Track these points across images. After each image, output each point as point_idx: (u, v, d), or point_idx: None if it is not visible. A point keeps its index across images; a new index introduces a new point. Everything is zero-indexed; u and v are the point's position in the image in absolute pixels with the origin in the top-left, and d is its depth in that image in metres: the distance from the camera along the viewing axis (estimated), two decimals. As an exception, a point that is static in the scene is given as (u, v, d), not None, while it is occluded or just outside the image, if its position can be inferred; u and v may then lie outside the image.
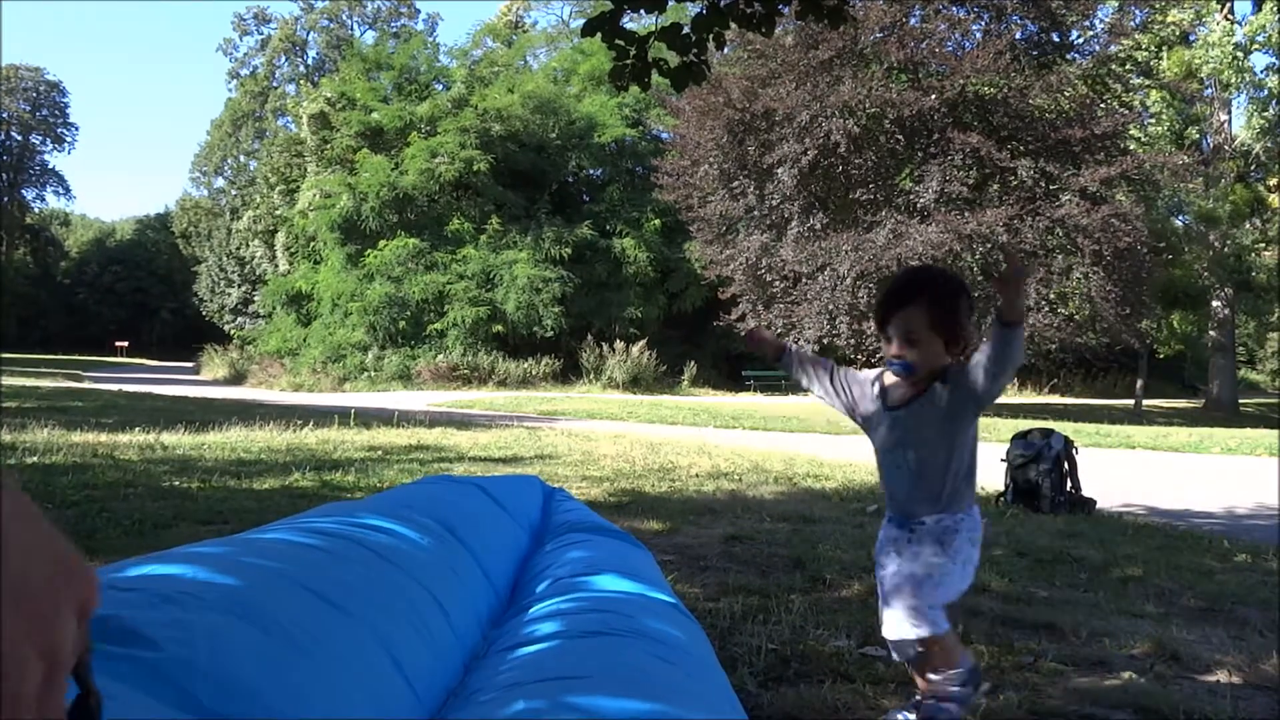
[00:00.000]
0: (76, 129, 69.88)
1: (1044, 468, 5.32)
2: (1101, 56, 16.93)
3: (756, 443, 9.18)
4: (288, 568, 0.96)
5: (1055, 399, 24.31)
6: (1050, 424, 8.45)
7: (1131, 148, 17.66)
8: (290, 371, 23.65)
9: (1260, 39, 20.14)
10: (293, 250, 28.29)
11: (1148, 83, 20.58)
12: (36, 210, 57.84)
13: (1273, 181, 21.82)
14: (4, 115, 51.89)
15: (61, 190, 57.45)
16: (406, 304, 22.43)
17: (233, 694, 0.73)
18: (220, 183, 47.77)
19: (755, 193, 17.13)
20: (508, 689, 0.95)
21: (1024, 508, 5.25)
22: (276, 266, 30.87)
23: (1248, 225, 21.95)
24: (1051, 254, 15.94)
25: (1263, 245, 22.17)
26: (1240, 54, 19.98)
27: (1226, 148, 22.01)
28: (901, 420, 1.94)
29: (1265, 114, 20.55)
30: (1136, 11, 17.92)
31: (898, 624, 1.91)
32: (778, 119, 16.22)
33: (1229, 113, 22.43)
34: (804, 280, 16.74)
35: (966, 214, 15.24)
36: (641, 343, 21.68)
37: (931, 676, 1.96)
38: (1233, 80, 20.13)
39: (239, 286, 39.63)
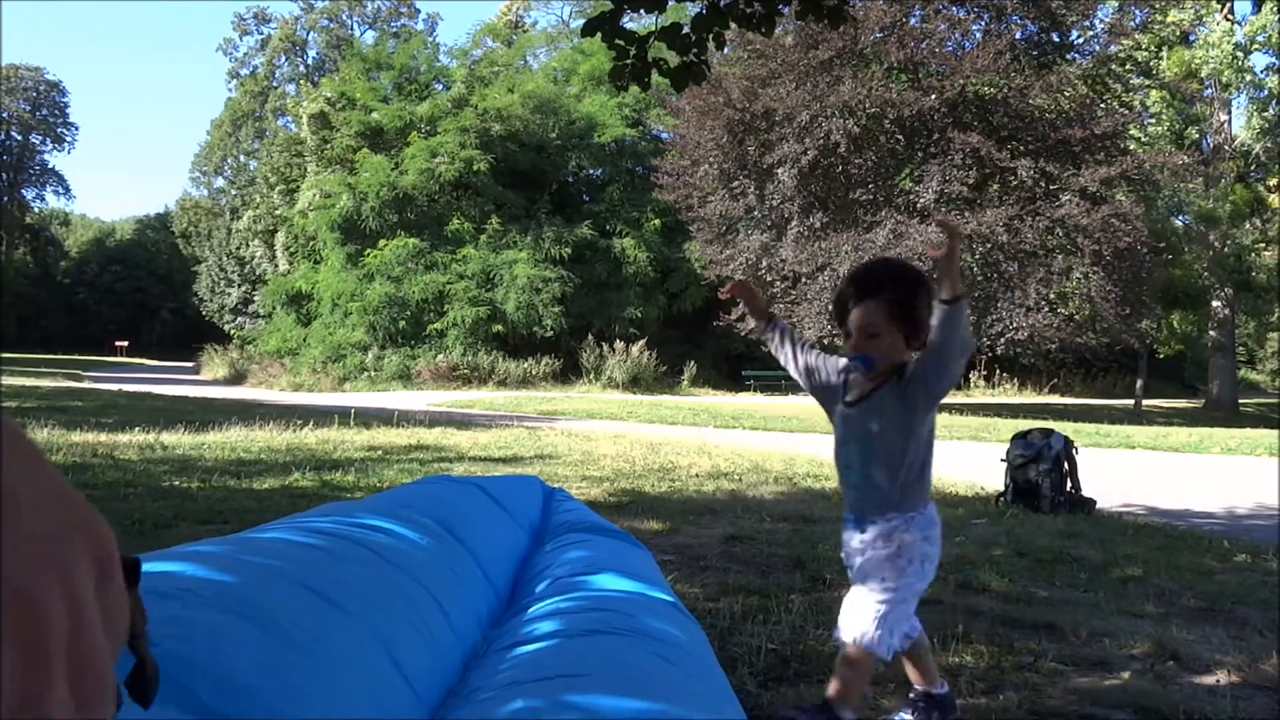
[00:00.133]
0: (76, 129, 69.93)
1: (1044, 468, 5.32)
2: (1101, 56, 16.93)
3: (756, 443, 9.17)
4: (287, 566, 0.96)
5: (1055, 399, 24.31)
6: (1050, 424, 8.45)
7: (1131, 148, 17.66)
8: (290, 371, 23.65)
9: (1260, 39, 20.13)
10: (293, 250, 28.28)
11: (1148, 83, 20.58)
12: (36, 210, 57.83)
13: (1273, 181, 21.82)
14: (4, 115, 51.89)
15: (61, 190, 57.48)
16: (406, 304, 22.42)
17: (232, 692, 0.73)
18: (220, 183, 47.79)
19: (755, 193, 17.13)
20: (507, 688, 0.95)
21: (1024, 508, 5.25)
22: (276, 266, 30.87)
23: (1248, 225, 21.95)
24: (1051, 254, 15.94)
25: (1263, 245, 22.16)
26: (1240, 54, 19.98)
27: (1226, 148, 22.01)
28: (855, 417, 1.90)
29: (1265, 114, 20.54)
30: (1136, 11, 17.92)
31: (850, 625, 1.87)
32: (778, 119, 16.23)
33: (1229, 113, 22.44)
34: (804, 280, 16.74)
35: (966, 214, 15.24)
36: (641, 343, 21.67)
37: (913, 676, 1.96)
38: (1233, 80, 20.13)
39: (239, 286, 39.62)
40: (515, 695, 0.92)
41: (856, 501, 1.91)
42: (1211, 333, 22.86)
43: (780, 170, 16.31)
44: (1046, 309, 15.71)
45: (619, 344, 21.69)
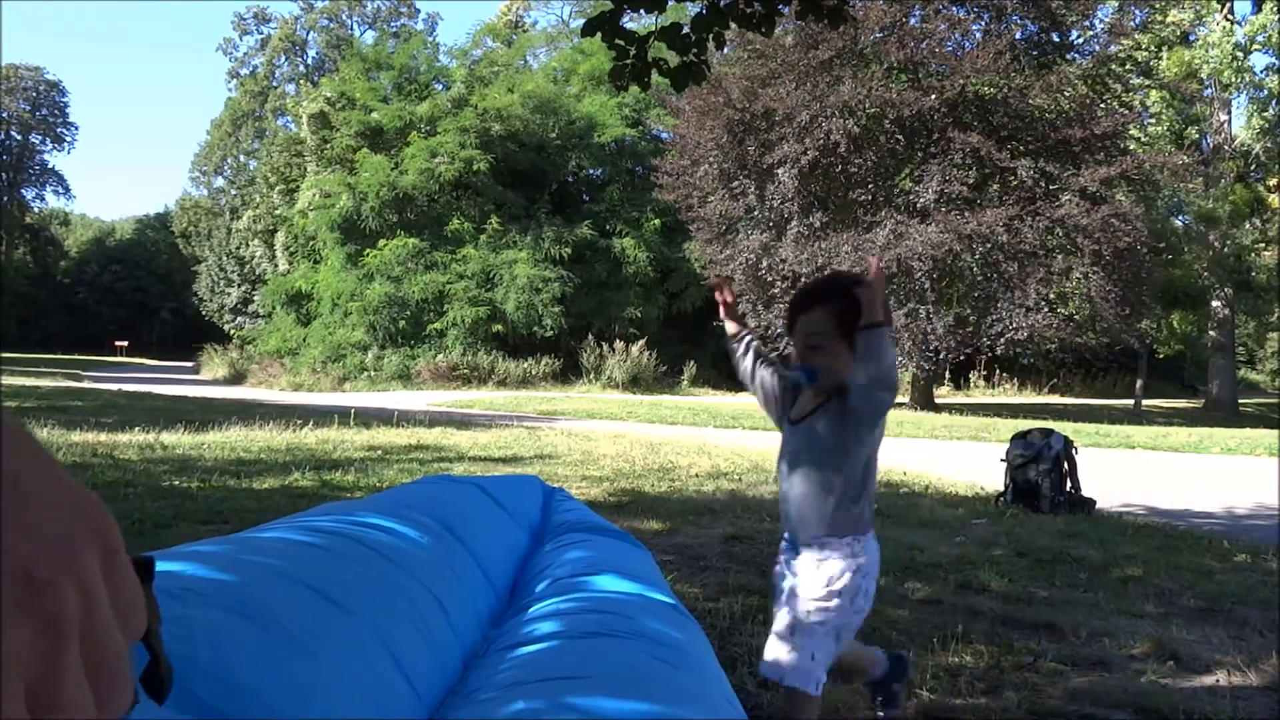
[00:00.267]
0: (76, 128, 69.89)
1: (1044, 468, 5.32)
2: (1101, 56, 16.93)
3: (756, 443, 9.17)
4: (288, 566, 0.96)
5: (1055, 399, 24.32)
6: (1050, 424, 8.45)
7: (1131, 148, 17.66)
8: (290, 371, 23.64)
9: (1260, 39, 20.13)
10: (292, 250, 28.27)
11: (1148, 83, 20.58)
12: (36, 210, 57.82)
13: (1273, 181, 21.82)
14: (4, 115, 51.88)
15: (61, 190, 57.47)
16: (406, 304, 22.42)
17: (233, 691, 0.73)
18: (220, 182, 47.78)
19: (755, 193, 17.14)
20: (507, 688, 0.95)
21: (1024, 508, 5.25)
22: (276, 266, 30.86)
23: (1248, 225, 21.95)
24: (1051, 254, 15.95)
25: (1262, 245, 22.16)
26: (1240, 54, 19.97)
27: (1226, 148, 22.02)
28: (794, 436, 1.83)
29: (1265, 114, 20.55)
30: (1136, 11, 17.92)
31: (772, 658, 1.76)
32: (778, 119, 16.23)
33: (1229, 113, 22.44)
34: (804, 280, 16.74)
35: (966, 214, 15.25)
36: (641, 343, 21.66)
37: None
38: (1233, 80, 20.13)
39: (239, 286, 39.61)
40: (516, 696, 0.92)
41: (791, 524, 1.82)
42: (1211, 333, 22.86)
43: (780, 170, 16.31)
44: (1046, 309, 15.71)
45: (619, 344, 21.69)
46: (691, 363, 22.81)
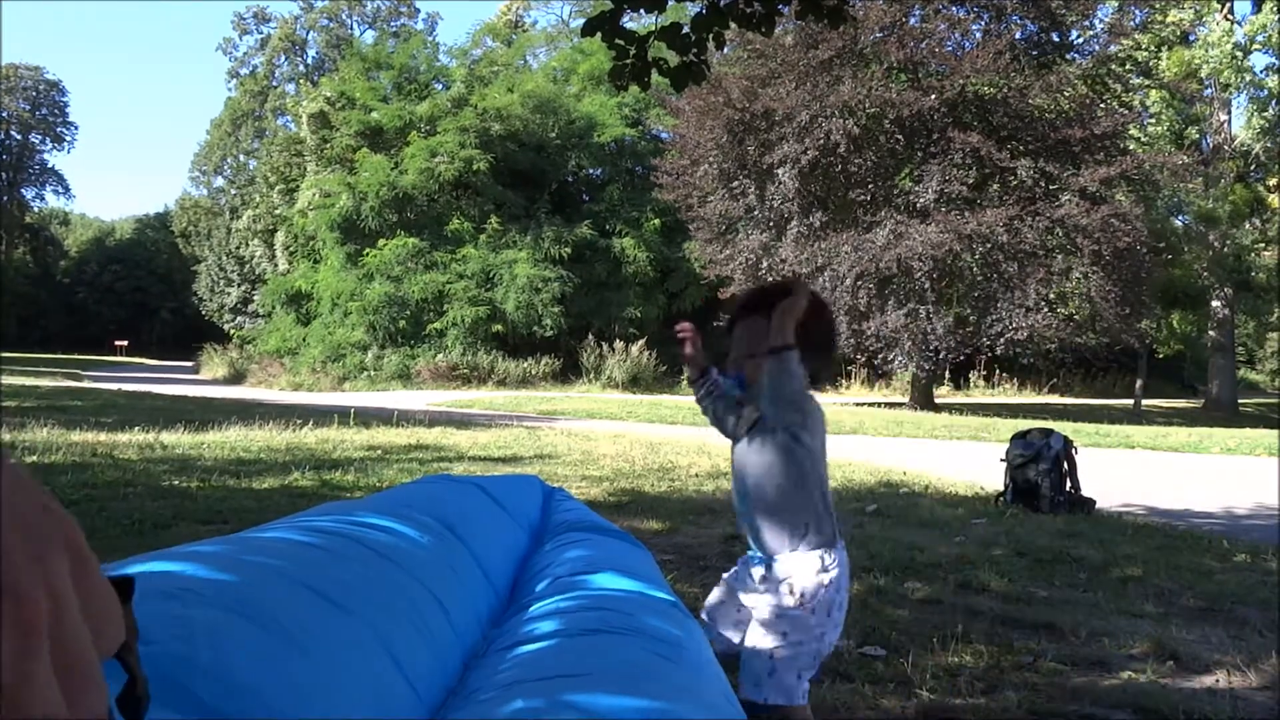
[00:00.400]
0: (76, 128, 69.85)
1: (1043, 467, 5.32)
2: (1101, 56, 16.93)
3: (756, 442, 9.16)
4: (287, 565, 0.96)
5: (1055, 399, 24.32)
6: (1050, 424, 8.45)
7: (1131, 148, 17.67)
8: (290, 371, 23.64)
9: (1260, 39, 20.13)
10: (292, 250, 28.27)
11: (1148, 83, 20.59)
12: (36, 209, 57.81)
13: (1273, 181, 21.82)
14: (4, 114, 51.87)
15: (61, 189, 57.44)
16: (406, 303, 22.41)
17: (233, 691, 0.73)
18: (220, 182, 47.77)
19: (755, 193, 17.14)
20: (506, 688, 0.95)
21: (1023, 507, 5.25)
22: (276, 266, 30.85)
23: (1247, 225, 21.95)
24: (1051, 254, 15.95)
25: (1262, 245, 22.17)
26: (1240, 54, 19.98)
27: (1226, 148, 22.02)
28: (738, 453, 1.81)
29: (1265, 114, 20.55)
30: (1136, 11, 17.93)
31: (752, 680, 1.71)
32: (777, 119, 16.23)
33: (1229, 113, 22.44)
34: (803, 279, 16.74)
35: (966, 214, 15.25)
36: (641, 342, 21.66)
37: None
38: (1233, 80, 20.13)
39: (239, 286, 39.60)
40: (515, 695, 0.92)
41: (756, 541, 1.79)
42: (1211, 333, 22.86)
43: (780, 170, 16.31)
44: (1046, 309, 15.72)
45: (619, 344, 21.69)
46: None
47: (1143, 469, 8.12)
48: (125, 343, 45.03)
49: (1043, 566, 3.78)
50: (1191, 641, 2.78)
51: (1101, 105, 16.67)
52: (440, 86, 25.99)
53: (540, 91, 24.47)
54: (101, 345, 47.53)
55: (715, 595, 1.89)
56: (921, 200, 15.64)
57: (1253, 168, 22.08)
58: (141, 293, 53.36)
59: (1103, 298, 15.41)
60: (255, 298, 34.52)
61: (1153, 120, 21.02)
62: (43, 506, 0.34)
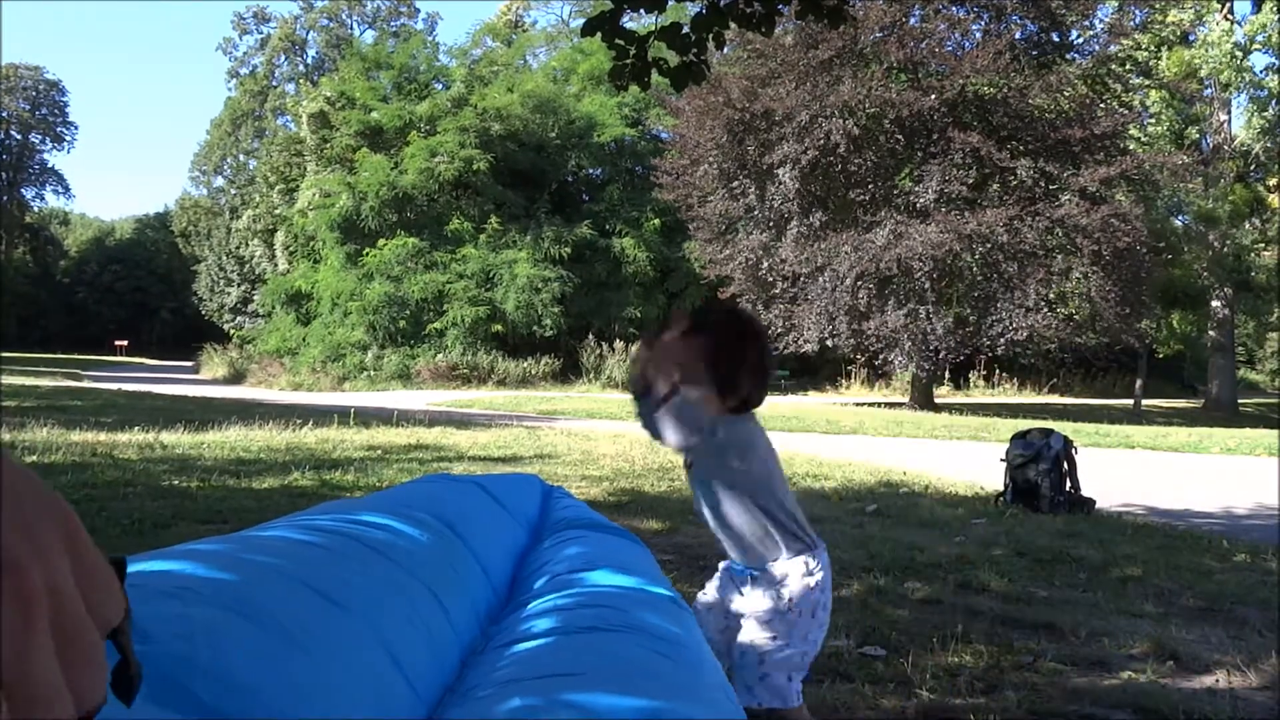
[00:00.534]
0: (76, 128, 69.81)
1: (1043, 467, 5.32)
2: (1101, 56, 16.94)
3: (756, 442, 9.16)
4: (286, 564, 0.96)
5: (1055, 399, 24.32)
6: (1050, 424, 8.46)
7: (1131, 148, 17.68)
8: (289, 371, 23.64)
9: (1260, 39, 20.14)
10: (292, 249, 28.27)
11: (1148, 83, 20.59)
12: (36, 209, 57.81)
13: (1272, 181, 21.82)
14: (4, 114, 51.87)
15: (61, 189, 57.44)
16: (406, 303, 22.42)
17: (231, 690, 0.73)
18: (220, 182, 47.78)
19: (755, 193, 17.14)
20: (504, 685, 0.95)
21: (1023, 507, 5.25)
22: (276, 266, 30.86)
23: (1247, 225, 21.95)
24: (1051, 254, 15.96)
25: (1262, 245, 22.17)
26: (1240, 54, 19.98)
27: (1226, 148, 22.02)
28: (691, 476, 1.80)
29: (1265, 114, 20.55)
30: (1136, 11, 17.94)
31: (744, 686, 1.70)
32: (777, 119, 16.23)
33: (1229, 113, 22.45)
34: (803, 279, 16.76)
35: (966, 214, 15.26)
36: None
37: None
38: (1232, 80, 20.13)
39: (238, 286, 39.61)
40: (513, 693, 0.92)
41: (736, 555, 1.79)
42: (1211, 333, 22.87)
43: (780, 170, 16.31)
44: (1046, 309, 15.73)
45: (619, 344, 21.69)
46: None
47: (1143, 469, 8.12)
48: (125, 343, 45.04)
49: (1043, 566, 3.78)
50: (1191, 641, 2.78)
51: (1101, 105, 16.67)
52: (440, 86, 26.00)
53: (540, 91, 24.48)
54: (101, 345, 47.53)
55: (702, 600, 1.88)
56: (921, 200, 15.64)
57: (1253, 168, 22.09)
58: (141, 293, 53.36)
59: (1103, 298, 15.41)
60: (255, 298, 34.53)
61: (1153, 120, 21.02)
62: (33, 482, 0.35)
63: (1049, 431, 5.58)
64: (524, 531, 1.75)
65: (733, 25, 3.62)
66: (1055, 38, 17.02)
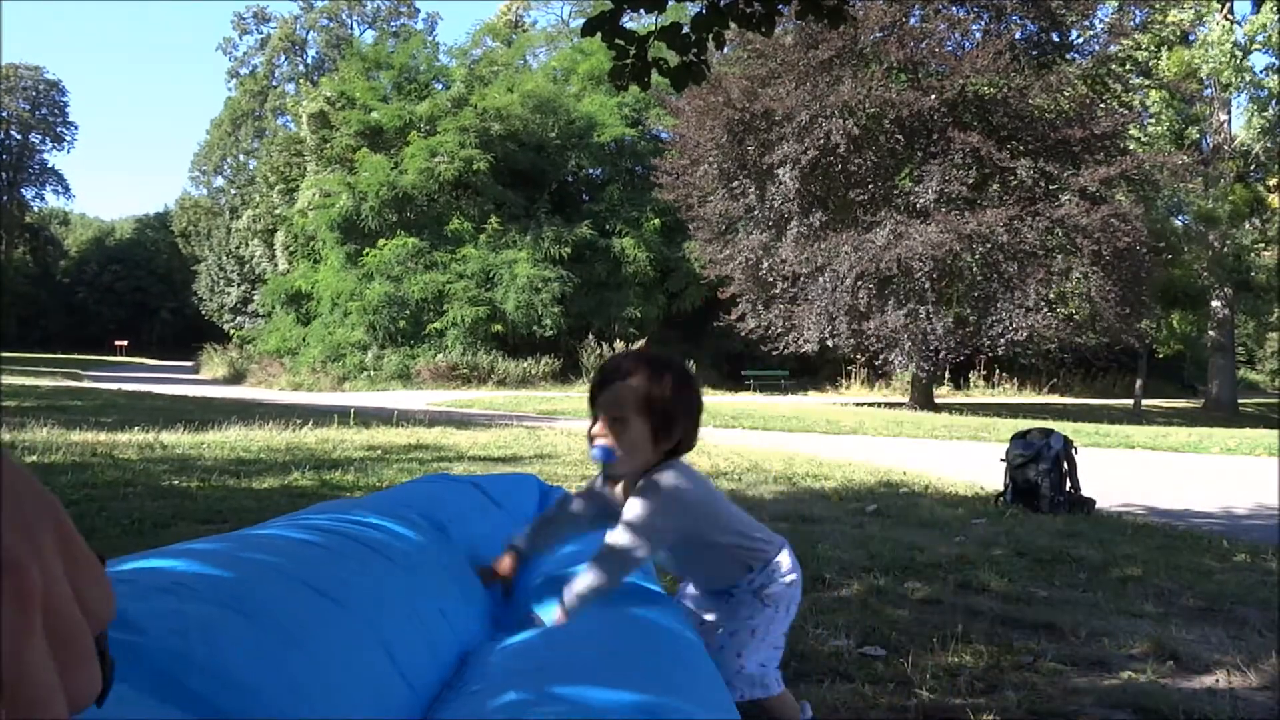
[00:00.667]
0: (76, 128, 69.86)
1: (1043, 467, 5.32)
2: (1101, 56, 16.94)
3: (756, 442, 9.17)
4: (284, 562, 0.96)
5: (1055, 399, 24.32)
6: (1050, 423, 8.45)
7: (1131, 148, 17.68)
8: (289, 371, 23.65)
9: (1260, 39, 20.14)
10: (292, 249, 28.27)
11: (1148, 83, 20.59)
12: (36, 209, 57.83)
13: (1272, 181, 21.82)
14: (4, 114, 51.88)
15: (61, 189, 57.51)
16: (406, 303, 22.42)
17: (227, 686, 0.73)
18: (220, 182, 47.78)
19: (755, 193, 17.14)
20: (499, 680, 0.95)
21: (1023, 507, 5.25)
22: (276, 266, 30.86)
23: (1247, 225, 21.95)
24: (1051, 254, 15.96)
25: (1262, 245, 22.17)
26: (1240, 54, 19.98)
27: (1226, 148, 22.02)
28: None
29: (1265, 114, 20.55)
30: (1136, 11, 17.94)
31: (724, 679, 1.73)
32: (777, 119, 16.23)
33: (1229, 113, 22.44)
34: (803, 279, 16.77)
35: (966, 214, 15.26)
36: (641, 342, 21.66)
37: None
38: (1233, 80, 20.13)
39: (238, 286, 39.61)
40: (507, 688, 0.92)
41: (695, 587, 1.80)
42: (1211, 333, 22.86)
43: (780, 170, 16.31)
44: (1046, 309, 15.73)
45: (619, 344, 21.69)
46: (691, 362, 22.76)
47: (1143, 469, 8.12)
48: (125, 343, 45.04)
49: (1043, 566, 3.77)
50: (1191, 641, 2.78)
51: (1101, 105, 16.67)
52: (440, 86, 26.00)
53: (540, 91, 24.48)
54: (101, 345, 47.54)
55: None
56: (921, 200, 15.64)
57: (1253, 168, 22.08)
58: (141, 293, 53.36)
59: (1103, 298, 15.41)
60: (255, 298, 34.54)
61: (1153, 120, 21.02)
62: (26, 479, 0.35)
63: (1049, 431, 5.57)
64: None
65: (733, 25, 3.62)
66: (1055, 38, 17.02)
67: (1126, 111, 17.38)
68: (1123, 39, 17.02)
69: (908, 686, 2.32)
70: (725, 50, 16.46)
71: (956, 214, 15.24)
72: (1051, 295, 16.27)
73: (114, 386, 16.59)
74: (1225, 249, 21.39)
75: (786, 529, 4.37)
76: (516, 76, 26.15)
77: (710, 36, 3.57)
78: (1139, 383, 21.64)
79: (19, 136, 53.81)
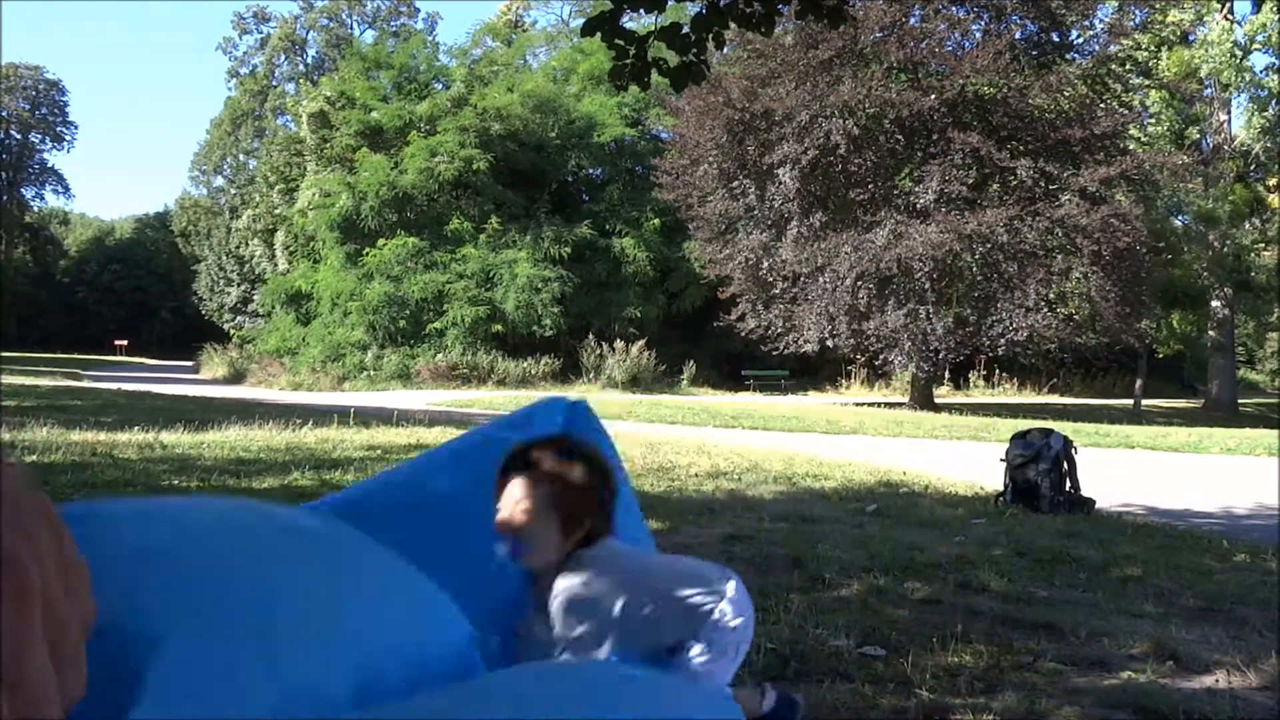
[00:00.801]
0: (76, 128, 69.75)
1: (1043, 467, 5.32)
2: (1101, 56, 16.94)
3: (756, 442, 9.17)
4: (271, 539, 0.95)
5: (1055, 399, 24.32)
6: (1050, 424, 8.45)
7: (1131, 148, 17.67)
8: (289, 370, 23.64)
9: (1260, 39, 20.13)
10: (292, 249, 28.26)
11: (1148, 83, 20.59)
12: (36, 209, 57.80)
13: (1272, 181, 21.82)
14: (4, 114, 51.87)
15: (61, 189, 57.42)
16: (406, 303, 22.41)
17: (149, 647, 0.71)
18: (220, 182, 47.76)
19: (755, 193, 17.14)
20: (497, 677, 0.95)
21: (1023, 507, 5.25)
22: (276, 265, 30.85)
23: (1247, 225, 21.95)
24: (1051, 254, 15.96)
25: (1262, 245, 22.17)
26: (1240, 54, 19.98)
27: (1226, 148, 22.01)
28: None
29: (1265, 114, 20.54)
30: (1136, 11, 17.94)
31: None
32: (777, 119, 16.23)
33: (1229, 113, 22.44)
34: (803, 279, 16.76)
35: (966, 214, 15.25)
36: (641, 342, 21.67)
37: None
38: (1232, 80, 20.13)
39: (238, 285, 39.59)
40: (505, 685, 0.92)
41: None
42: (1211, 333, 22.86)
43: (780, 170, 16.31)
44: (1046, 309, 15.72)
45: (619, 344, 21.69)
46: (691, 362, 22.82)
47: (1143, 469, 8.12)
48: (125, 342, 45.01)
49: (1043, 566, 3.78)
50: (1191, 641, 2.78)
51: (1101, 105, 16.67)
52: (440, 86, 26.00)
53: (540, 91, 24.48)
54: (101, 345, 47.51)
55: None
56: (921, 200, 15.64)
57: (1253, 168, 22.08)
58: (141, 292, 53.33)
59: (1103, 298, 15.41)
60: (255, 297, 34.52)
61: (1153, 120, 21.02)
62: (25, 485, 0.35)
63: (1049, 431, 5.57)
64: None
65: (733, 25, 3.62)
66: (1055, 38, 17.02)
67: (1126, 111, 17.37)
68: (1123, 39, 17.02)
69: (908, 686, 2.32)
70: (725, 50, 16.46)
71: (956, 214, 15.23)
72: (1051, 295, 16.26)
73: (114, 386, 16.59)
74: (1225, 249, 21.39)
75: (786, 528, 4.37)
76: (516, 76, 26.14)
77: (710, 36, 3.58)
78: (1139, 383, 21.64)
79: (19, 136, 53.79)
